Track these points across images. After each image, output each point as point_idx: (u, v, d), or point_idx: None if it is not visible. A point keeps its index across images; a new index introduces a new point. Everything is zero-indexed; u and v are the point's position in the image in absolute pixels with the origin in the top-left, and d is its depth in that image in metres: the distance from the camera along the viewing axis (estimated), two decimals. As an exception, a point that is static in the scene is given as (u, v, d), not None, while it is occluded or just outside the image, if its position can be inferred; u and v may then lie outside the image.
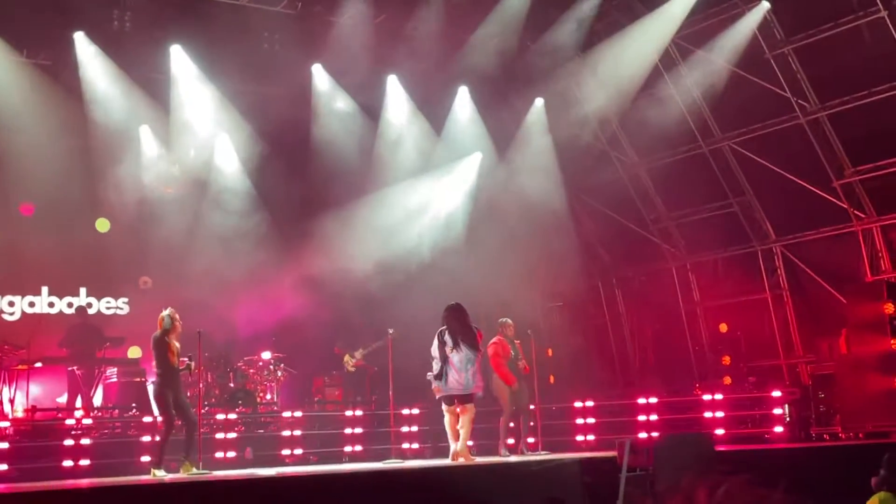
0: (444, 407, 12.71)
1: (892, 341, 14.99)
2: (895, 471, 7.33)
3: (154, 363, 12.00)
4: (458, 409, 12.55)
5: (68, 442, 13.33)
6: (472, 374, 12.51)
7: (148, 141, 17.58)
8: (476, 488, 10.46)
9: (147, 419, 14.44)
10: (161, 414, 12.10)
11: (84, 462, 13.15)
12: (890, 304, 15.12)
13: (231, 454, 14.32)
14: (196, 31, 16.50)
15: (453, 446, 12.60)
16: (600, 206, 20.39)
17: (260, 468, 13.68)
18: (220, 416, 15.10)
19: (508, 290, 18.27)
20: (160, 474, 11.49)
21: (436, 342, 12.67)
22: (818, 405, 16.09)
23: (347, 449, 15.47)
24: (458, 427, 12.58)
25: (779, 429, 15.51)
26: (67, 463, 13.02)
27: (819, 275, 17.74)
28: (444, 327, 12.71)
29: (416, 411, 16.15)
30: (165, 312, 11.94)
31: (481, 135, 19.35)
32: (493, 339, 13.98)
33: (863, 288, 16.38)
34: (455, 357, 12.51)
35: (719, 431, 15.47)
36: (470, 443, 12.78)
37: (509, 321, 14.14)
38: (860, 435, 15.02)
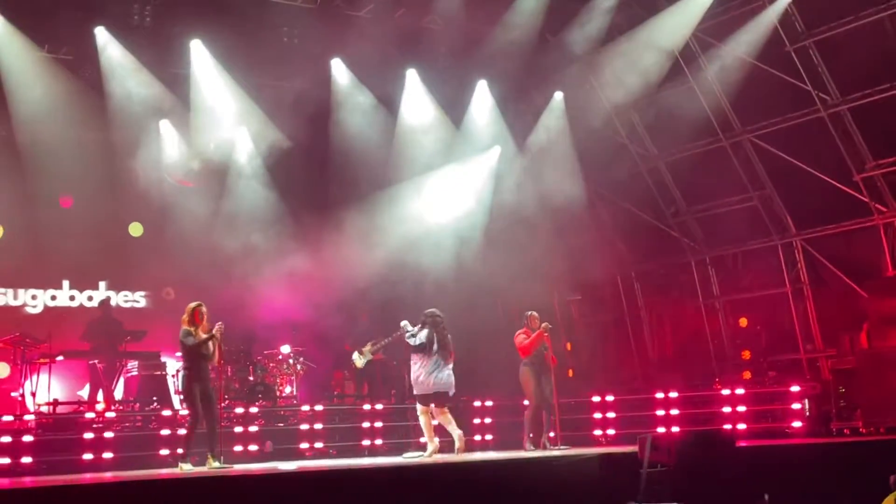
0: (419, 407, 13.34)
1: (913, 336, 14.92)
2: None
3: (182, 356, 12.09)
4: (432, 408, 13.26)
5: (89, 435, 13.42)
6: (445, 375, 13.22)
7: (168, 135, 17.65)
8: (497, 483, 10.48)
9: (167, 412, 14.53)
10: (187, 408, 12.16)
11: (106, 455, 13.23)
12: (911, 299, 15.05)
13: (252, 448, 14.38)
14: (216, 25, 16.52)
15: (436, 442, 13.25)
16: (619, 200, 20.34)
17: (280, 462, 13.73)
18: (240, 410, 15.16)
19: (527, 283, 18.28)
20: (187, 468, 11.55)
21: (431, 333, 13.17)
22: (839, 400, 16.04)
23: (366, 443, 15.53)
24: (444, 424, 13.26)
25: (798, 423, 15.46)
26: (88, 456, 13.10)
27: (840, 269, 17.63)
28: (430, 329, 13.21)
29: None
30: (191, 305, 11.99)
31: (500, 129, 19.32)
32: (520, 331, 14.13)
33: (884, 282, 16.29)
34: (430, 360, 13.14)
35: (740, 427, 15.42)
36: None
37: (535, 314, 14.26)
38: (881, 430, 14.95)
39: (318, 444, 15.18)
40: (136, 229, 18.44)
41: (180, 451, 12.04)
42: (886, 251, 16.89)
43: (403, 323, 13.55)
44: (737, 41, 17.27)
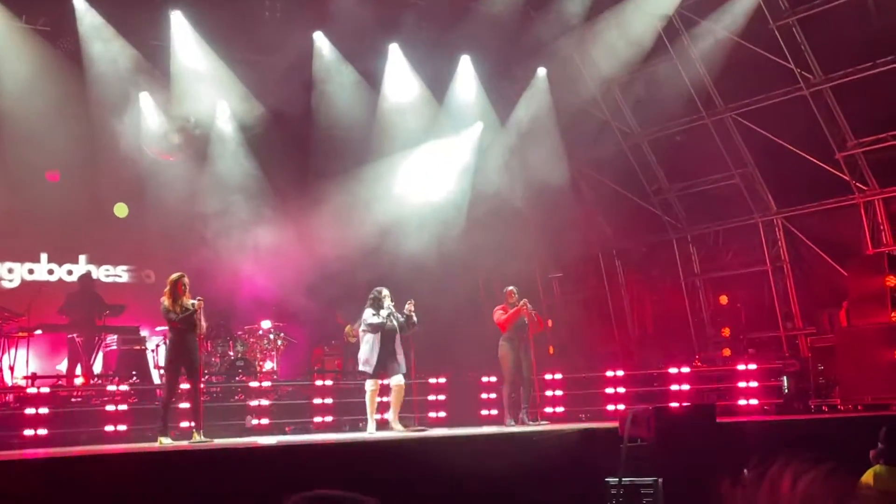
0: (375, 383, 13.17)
1: (892, 314, 15.00)
2: (892, 444, 7.33)
3: (168, 329, 12.07)
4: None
5: (67, 410, 13.34)
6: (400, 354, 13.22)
7: (148, 108, 17.49)
8: (476, 458, 10.48)
9: (146, 387, 14.47)
10: (165, 380, 12.11)
11: (83, 429, 13.16)
12: (891, 277, 15.12)
13: (232, 423, 14.35)
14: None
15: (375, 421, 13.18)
16: (602, 178, 20.33)
17: (261, 437, 13.70)
18: (220, 385, 15.13)
19: (508, 260, 18.27)
20: (166, 441, 11.51)
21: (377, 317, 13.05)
22: (817, 377, 16.13)
23: (346, 418, 15.53)
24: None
25: (775, 400, 15.53)
26: (66, 430, 13.02)
27: (820, 247, 17.71)
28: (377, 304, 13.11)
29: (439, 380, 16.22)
30: (173, 277, 11.92)
31: (483, 105, 19.25)
32: (498, 307, 14.18)
33: (864, 260, 16.36)
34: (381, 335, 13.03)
35: (719, 403, 15.47)
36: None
37: (513, 289, 14.28)
38: (859, 407, 15.06)
39: (300, 420, 15.16)
40: (121, 210, 18.28)
41: (160, 424, 11.99)
42: (866, 229, 16.97)
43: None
44: (720, 18, 17.23)
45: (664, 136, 19.35)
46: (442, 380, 16.51)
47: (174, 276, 11.96)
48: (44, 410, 13.07)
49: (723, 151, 18.46)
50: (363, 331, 13.16)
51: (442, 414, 16.23)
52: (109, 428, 13.26)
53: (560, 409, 16.63)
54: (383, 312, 13.03)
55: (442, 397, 16.46)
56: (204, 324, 12.06)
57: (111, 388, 14.25)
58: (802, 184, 17.57)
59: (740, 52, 17.14)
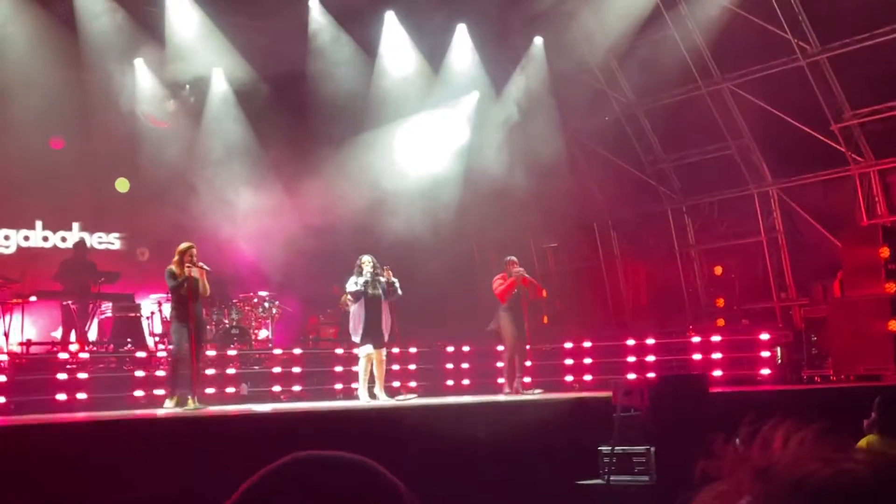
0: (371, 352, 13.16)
1: (886, 285, 15.04)
2: (885, 413, 7.36)
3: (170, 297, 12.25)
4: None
5: (62, 376, 13.38)
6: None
7: (143, 74, 17.41)
8: (471, 426, 10.53)
9: (140, 354, 14.51)
10: (173, 346, 12.19)
11: (79, 396, 13.21)
12: (885, 248, 15.15)
13: (228, 390, 14.40)
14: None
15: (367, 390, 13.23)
16: (597, 147, 20.28)
17: (255, 404, 13.76)
18: (214, 353, 15.16)
19: (503, 229, 18.28)
20: (169, 405, 11.61)
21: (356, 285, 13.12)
22: (811, 348, 16.20)
23: (339, 386, 15.59)
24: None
25: (766, 371, 15.60)
26: (62, 397, 13.07)
27: (815, 218, 17.72)
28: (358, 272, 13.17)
29: (413, 350, 16.28)
30: (182, 246, 11.99)
31: (479, 73, 19.18)
32: (497, 276, 14.22)
33: (858, 232, 16.39)
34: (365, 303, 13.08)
35: (713, 373, 15.56)
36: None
37: (514, 258, 14.31)
38: (851, 377, 15.13)
39: (295, 388, 15.22)
40: (122, 185, 18.22)
41: (143, 392, 12.07)
42: (861, 201, 16.97)
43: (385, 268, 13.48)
44: (718, -13, 17.16)
45: (660, 105, 19.30)
46: (450, 348, 16.63)
47: (183, 245, 12.04)
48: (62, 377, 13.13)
49: (719, 122, 18.42)
50: (349, 300, 13.27)
51: (454, 382, 16.29)
52: (105, 395, 13.29)
53: (570, 378, 16.72)
54: (361, 280, 13.08)
55: (450, 366, 16.61)
56: (208, 288, 12.12)
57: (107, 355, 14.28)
58: (798, 155, 17.54)
59: (738, 22, 17.06)
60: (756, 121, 17.89)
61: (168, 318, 12.35)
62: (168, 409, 11.61)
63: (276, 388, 15.07)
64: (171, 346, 12.37)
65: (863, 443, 7.36)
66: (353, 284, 13.13)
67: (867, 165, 16.87)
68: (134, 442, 9.08)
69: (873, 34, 15.95)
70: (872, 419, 7.40)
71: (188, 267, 11.83)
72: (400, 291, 13.32)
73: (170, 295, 12.34)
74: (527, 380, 14.35)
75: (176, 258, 11.96)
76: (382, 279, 13.23)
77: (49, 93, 16.41)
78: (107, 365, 14.52)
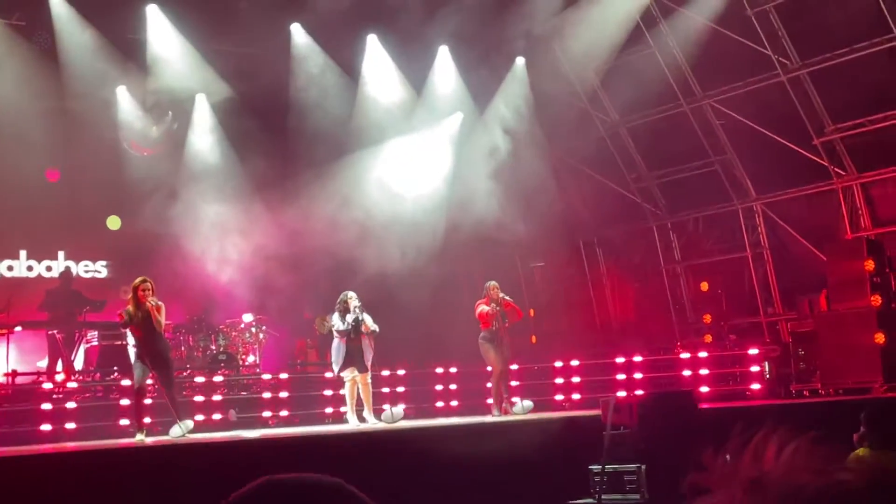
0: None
1: (871, 298, 15.07)
2: (875, 427, 7.36)
3: None
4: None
5: (48, 406, 13.27)
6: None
7: (125, 102, 17.39)
8: (461, 446, 10.49)
9: (127, 382, 14.41)
10: (134, 378, 12.18)
11: (66, 426, 13.10)
12: (870, 261, 15.19)
13: (215, 416, 14.31)
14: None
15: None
16: (581, 166, 20.33)
17: (244, 430, 13.68)
18: (201, 379, 15.08)
19: (489, 250, 18.27)
20: (138, 438, 11.52)
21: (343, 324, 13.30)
22: (798, 362, 16.21)
23: (328, 410, 15.53)
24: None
25: (756, 386, 15.61)
26: (47, 427, 12.96)
27: (799, 233, 17.79)
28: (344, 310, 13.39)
29: (401, 372, 16.23)
30: (135, 283, 12.02)
31: (462, 95, 19.21)
32: (480, 301, 14.26)
33: (843, 245, 16.44)
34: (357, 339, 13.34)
35: (702, 389, 15.55)
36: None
37: (494, 284, 14.32)
38: (840, 391, 15.13)
39: (283, 413, 15.14)
40: (114, 223, 18.14)
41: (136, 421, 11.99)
42: (845, 214, 17.06)
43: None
44: (697, 6, 17.27)
45: (644, 123, 19.38)
46: (439, 370, 16.59)
47: (136, 281, 12.02)
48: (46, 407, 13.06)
49: (702, 138, 18.51)
50: (333, 334, 13.43)
51: (439, 403, 16.26)
52: (91, 424, 13.17)
53: (559, 397, 16.68)
54: (349, 318, 13.28)
55: (439, 388, 16.53)
56: (163, 321, 12.09)
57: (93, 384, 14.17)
58: (781, 170, 17.63)
59: (718, 39, 17.17)
60: (739, 137, 17.98)
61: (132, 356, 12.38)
62: (140, 440, 11.50)
63: (266, 414, 14.99)
64: (132, 380, 12.33)
65: (853, 457, 7.37)
66: (340, 322, 13.28)
67: (850, 179, 16.95)
68: (121, 471, 9.01)
69: (853, 48, 16.07)
70: (862, 433, 7.40)
71: (151, 302, 11.80)
72: (375, 327, 13.41)
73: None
74: (514, 400, 14.37)
75: (130, 295, 11.98)
76: (365, 315, 13.34)
77: (31, 122, 16.35)
78: (93, 394, 14.41)
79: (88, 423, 13.19)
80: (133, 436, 11.78)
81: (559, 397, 16.82)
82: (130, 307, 11.94)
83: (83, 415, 13.40)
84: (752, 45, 16.89)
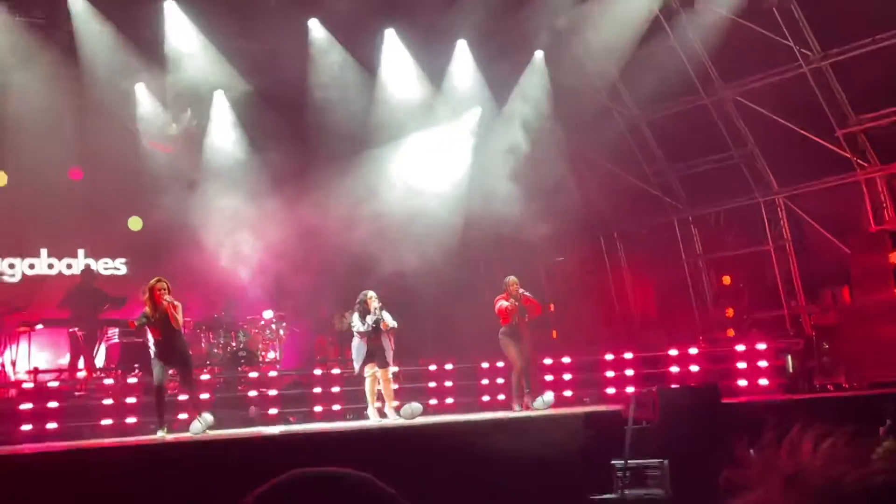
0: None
1: (895, 290, 14.93)
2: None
3: None
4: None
5: (70, 403, 13.31)
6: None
7: (144, 99, 17.41)
8: (482, 442, 10.45)
9: (132, 380, 14.45)
10: (154, 375, 12.21)
11: (87, 423, 13.13)
12: (894, 254, 15.05)
13: (236, 413, 14.30)
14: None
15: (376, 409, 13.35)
16: (601, 160, 20.23)
17: (264, 427, 13.67)
18: (224, 376, 15.10)
19: (508, 245, 18.20)
20: (160, 435, 11.54)
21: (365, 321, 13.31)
22: (822, 356, 16.07)
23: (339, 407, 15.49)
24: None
25: (778, 380, 15.43)
26: (70, 424, 12.99)
27: (822, 225, 17.62)
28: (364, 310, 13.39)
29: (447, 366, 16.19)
30: (150, 283, 12.07)
31: (481, 89, 19.13)
32: (500, 296, 14.23)
33: (867, 238, 16.30)
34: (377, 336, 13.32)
35: (728, 383, 15.42)
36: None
37: (514, 279, 14.28)
38: (865, 384, 14.99)
39: (303, 409, 15.13)
40: (135, 223, 18.18)
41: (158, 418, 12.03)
42: (868, 206, 16.88)
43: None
44: (718, -3, 17.13)
45: (663, 117, 19.25)
46: (448, 366, 16.48)
47: (151, 281, 12.05)
48: (53, 404, 13.07)
49: (723, 131, 18.37)
50: (353, 333, 13.42)
51: (449, 400, 16.19)
52: (107, 422, 13.20)
53: (568, 393, 16.59)
54: (370, 319, 13.29)
55: (449, 384, 16.43)
56: (181, 319, 12.09)
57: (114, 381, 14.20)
58: (804, 162, 17.46)
59: (738, 30, 17.01)
60: (760, 129, 17.83)
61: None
62: (160, 436, 11.53)
63: (287, 410, 14.97)
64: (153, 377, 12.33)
65: (882, 449, 7.28)
66: (361, 324, 13.29)
67: (873, 171, 16.78)
68: (141, 468, 9.02)
69: (875, 39, 15.90)
70: (889, 425, 7.33)
71: (167, 302, 11.81)
72: (394, 323, 13.36)
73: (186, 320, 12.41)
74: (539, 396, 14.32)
75: (146, 296, 12.00)
76: (384, 313, 13.32)
77: (53, 121, 16.39)
78: (115, 392, 14.43)
79: (109, 421, 13.20)
80: (154, 432, 11.80)
81: (581, 392, 16.70)
82: (148, 308, 11.96)
83: (105, 412, 13.41)
84: (773, 37, 16.73)
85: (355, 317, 13.46)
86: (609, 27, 18.10)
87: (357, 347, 13.39)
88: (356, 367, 13.44)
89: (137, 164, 17.31)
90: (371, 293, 13.48)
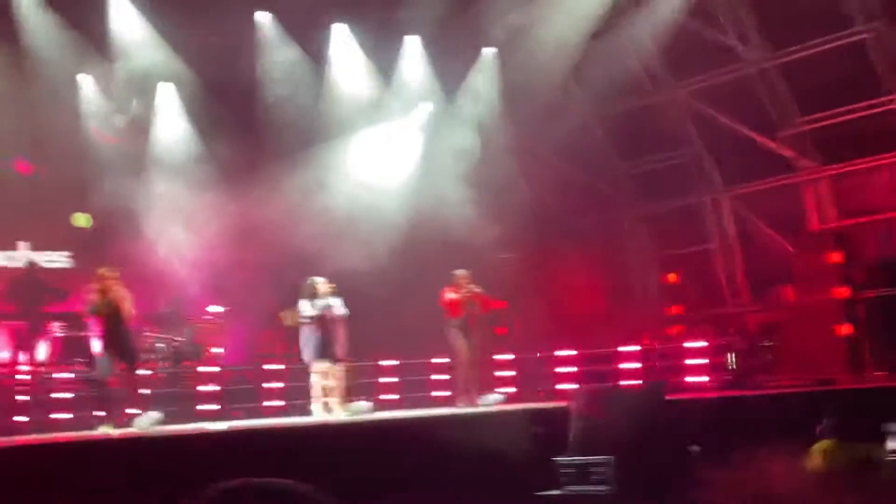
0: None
1: (838, 290, 15.16)
2: (837, 419, 7.41)
3: None
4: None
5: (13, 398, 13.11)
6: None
7: (89, 90, 17.16)
8: (429, 438, 10.45)
9: (92, 374, 14.25)
10: (99, 368, 12.02)
11: (28, 418, 12.94)
12: (836, 253, 15.29)
13: (180, 409, 14.16)
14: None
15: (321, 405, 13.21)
16: (551, 157, 20.30)
17: (209, 423, 13.56)
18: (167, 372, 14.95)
19: (458, 241, 18.20)
20: (103, 430, 11.36)
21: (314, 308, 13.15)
22: (765, 353, 16.29)
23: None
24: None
25: (707, 378, 15.58)
26: (11, 419, 12.79)
27: (767, 224, 17.88)
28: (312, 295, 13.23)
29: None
30: (100, 272, 11.83)
31: (431, 85, 19.10)
32: (447, 289, 14.16)
33: (810, 237, 16.56)
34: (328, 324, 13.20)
35: (669, 381, 15.56)
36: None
37: (463, 272, 14.25)
38: (806, 382, 15.21)
39: (249, 405, 15.02)
40: (81, 220, 17.85)
41: (103, 413, 11.85)
42: (812, 206, 17.14)
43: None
44: (667, -3, 17.27)
45: (614, 115, 19.37)
46: (394, 362, 16.44)
47: (101, 270, 11.88)
48: None
49: (671, 130, 18.53)
50: (301, 322, 13.21)
51: (395, 396, 16.17)
52: (55, 416, 13.02)
53: (513, 390, 16.64)
54: (319, 303, 13.08)
55: (395, 379, 16.41)
56: (130, 310, 11.92)
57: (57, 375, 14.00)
58: (749, 162, 17.71)
59: (688, 31, 17.18)
60: (707, 128, 18.05)
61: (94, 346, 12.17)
62: (105, 432, 11.34)
63: (231, 406, 14.85)
64: (97, 373, 12.14)
65: (818, 447, 7.40)
66: (310, 307, 13.10)
67: (817, 171, 17.04)
68: (86, 464, 8.89)
69: (820, 41, 16.12)
70: (826, 424, 7.44)
71: (117, 292, 11.65)
72: (345, 310, 13.29)
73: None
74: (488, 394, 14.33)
75: (96, 286, 11.81)
76: (335, 300, 13.21)
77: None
78: (57, 385, 14.22)
79: (51, 415, 13.02)
80: (96, 428, 11.63)
81: (525, 389, 16.76)
82: (95, 296, 11.77)
83: (47, 406, 13.22)
84: (721, 38, 16.92)
85: (303, 303, 13.27)
86: (561, 24, 18.15)
87: (307, 337, 13.20)
88: (305, 356, 13.26)
89: (83, 154, 17.05)
90: (319, 279, 13.36)
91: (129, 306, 11.82)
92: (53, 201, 17.42)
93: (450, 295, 14.16)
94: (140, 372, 12.73)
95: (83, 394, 13.68)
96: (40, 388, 13.82)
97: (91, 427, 12.24)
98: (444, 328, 14.26)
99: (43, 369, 14.92)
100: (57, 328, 15.72)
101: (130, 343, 12.04)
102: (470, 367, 14.17)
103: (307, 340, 13.17)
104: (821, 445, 7.31)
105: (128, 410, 12.22)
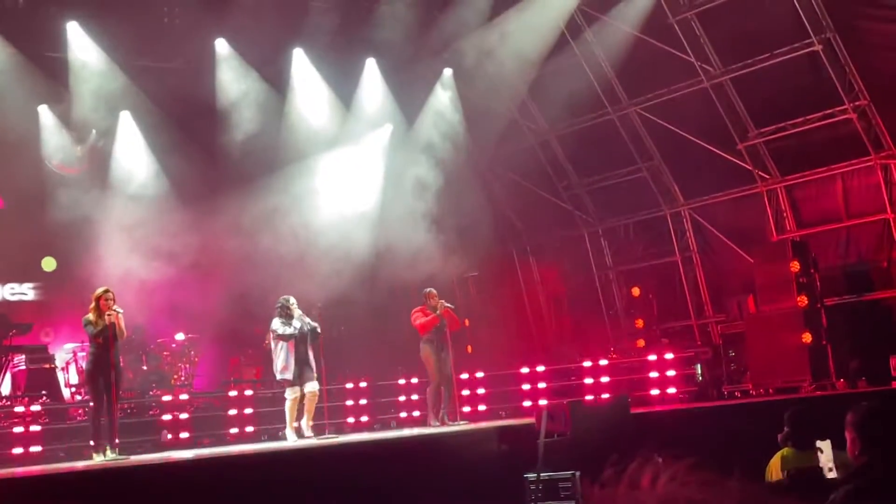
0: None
1: (798, 298, 15.36)
2: (797, 427, 7.49)
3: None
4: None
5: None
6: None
7: (47, 121, 17.08)
8: (398, 459, 10.48)
9: (56, 406, 14.13)
10: (90, 397, 11.90)
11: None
12: (795, 263, 15.49)
13: (147, 438, 14.07)
14: (93, 6, 16.01)
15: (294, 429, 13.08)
16: (512, 175, 20.46)
17: (177, 451, 13.48)
18: (135, 401, 14.84)
19: (422, 261, 18.24)
20: (99, 459, 11.27)
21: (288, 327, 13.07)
22: (729, 363, 16.46)
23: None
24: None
25: (673, 389, 15.71)
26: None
27: (726, 236, 18.08)
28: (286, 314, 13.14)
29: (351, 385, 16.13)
30: (97, 292, 11.74)
31: (391, 107, 19.19)
32: (416, 309, 14.19)
33: (769, 248, 16.75)
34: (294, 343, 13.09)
35: (634, 394, 15.68)
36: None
37: (433, 290, 14.31)
38: (770, 391, 15.39)
39: (217, 432, 14.94)
40: (48, 264, 17.72)
41: (91, 443, 11.72)
42: (770, 217, 17.38)
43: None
44: (621, 14, 17.48)
45: (572, 132, 19.55)
46: (363, 384, 16.44)
47: (98, 290, 11.78)
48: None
49: (629, 145, 18.73)
50: (274, 340, 13.12)
51: (364, 418, 16.16)
52: (19, 450, 12.89)
53: (482, 408, 16.70)
54: (295, 322, 13.00)
55: (363, 402, 16.39)
56: (125, 330, 11.87)
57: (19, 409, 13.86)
58: (707, 175, 17.92)
59: (642, 47, 17.40)
60: (665, 143, 18.24)
61: (84, 368, 12.04)
62: (96, 462, 11.27)
63: (199, 434, 14.77)
64: (90, 397, 12.01)
65: (777, 456, 7.49)
66: (283, 326, 13.02)
67: (774, 182, 17.28)
68: (57, 496, 8.84)
69: (773, 54, 16.38)
70: (786, 433, 7.53)
71: (108, 314, 11.57)
72: (315, 324, 13.29)
73: (85, 344, 12.04)
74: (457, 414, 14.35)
75: (92, 304, 11.72)
76: (307, 320, 13.18)
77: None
78: (22, 419, 14.08)
79: (16, 449, 12.88)
80: (90, 457, 11.54)
81: (494, 406, 16.82)
82: (91, 315, 11.65)
83: (10, 440, 13.09)
84: (676, 53, 17.14)
85: (277, 322, 13.11)
86: (516, 44, 18.32)
87: (284, 358, 13.00)
88: (279, 375, 13.08)
89: (43, 187, 16.94)
90: (291, 298, 13.28)
91: (122, 324, 11.74)
92: (16, 233, 17.30)
93: (419, 315, 14.16)
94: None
95: (48, 426, 13.55)
96: (5, 421, 13.66)
97: (55, 460, 12.14)
98: (418, 346, 14.24)
99: (7, 402, 14.77)
100: (20, 361, 15.58)
101: (117, 365, 11.86)
102: (442, 385, 14.15)
103: (285, 360, 13.02)
104: (780, 454, 7.40)
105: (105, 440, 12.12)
